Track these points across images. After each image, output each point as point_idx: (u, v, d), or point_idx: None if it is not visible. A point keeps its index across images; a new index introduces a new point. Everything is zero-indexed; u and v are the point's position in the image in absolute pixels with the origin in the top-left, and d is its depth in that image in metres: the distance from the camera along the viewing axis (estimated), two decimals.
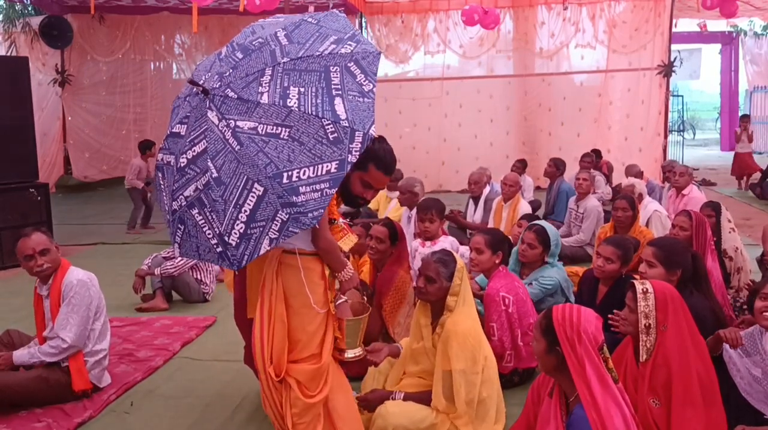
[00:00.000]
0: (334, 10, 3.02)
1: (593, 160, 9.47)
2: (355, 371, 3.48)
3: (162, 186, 2.83)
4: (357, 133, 2.54)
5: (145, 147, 9.28)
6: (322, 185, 2.49)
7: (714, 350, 3.02)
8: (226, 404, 3.78)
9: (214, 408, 3.75)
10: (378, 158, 2.86)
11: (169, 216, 2.76)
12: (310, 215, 2.48)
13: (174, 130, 2.76)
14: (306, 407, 2.85)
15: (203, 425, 3.58)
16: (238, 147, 2.52)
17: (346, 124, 2.53)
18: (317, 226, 2.59)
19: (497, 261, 3.98)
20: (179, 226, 2.68)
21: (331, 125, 2.53)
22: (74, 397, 3.76)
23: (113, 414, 3.72)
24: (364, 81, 2.65)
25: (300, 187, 2.47)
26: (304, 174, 2.48)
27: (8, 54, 12.16)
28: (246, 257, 2.52)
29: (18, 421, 3.57)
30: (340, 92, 2.60)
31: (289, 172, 2.47)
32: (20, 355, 3.73)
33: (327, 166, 2.50)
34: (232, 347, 4.28)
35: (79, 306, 3.72)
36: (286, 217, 2.47)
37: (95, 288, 3.85)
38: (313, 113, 2.54)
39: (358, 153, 2.53)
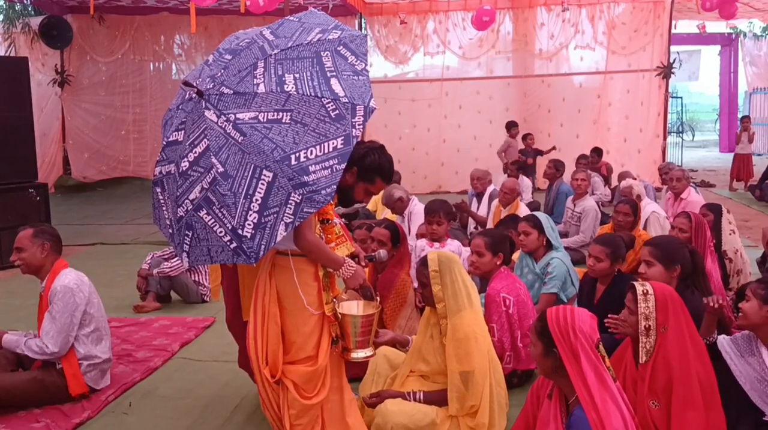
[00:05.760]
0: (313, 9, 3.07)
1: (595, 159, 9.45)
2: (354, 373, 3.45)
3: (162, 200, 2.78)
4: (358, 107, 2.57)
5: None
6: (331, 162, 2.50)
7: (706, 333, 3.01)
8: (224, 405, 3.78)
9: (212, 409, 3.74)
10: (383, 172, 2.94)
11: (171, 229, 2.71)
12: (323, 192, 2.48)
13: (171, 138, 2.73)
14: (303, 408, 2.84)
15: (202, 425, 3.57)
16: (241, 138, 2.51)
17: (346, 101, 2.56)
18: (301, 226, 2.59)
19: (498, 262, 3.95)
20: (187, 233, 2.62)
21: (332, 103, 2.55)
22: (71, 399, 3.74)
23: (112, 415, 3.71)
24: (356, 62, 2.70)
25: (309, 167, 2.47)
26: (311, 153, 2.49)
27: (8, 54, 12.14)
28: (263, 247, 2.50)
29: (17, 421, 3.57)
30: (334, 73, 2.63)
31: (297, 154, 2.48)
32: (10, 339, 3.75)
33: (333, 143, 2.52)
34: (230, 347, 4.26)
35: (61, 313, 3.65)
36: (300, 198, 2.47)
37: (82, 294, 3.72)
38: (312, 94, 2.56)
39: (361, 127, 2.56)
